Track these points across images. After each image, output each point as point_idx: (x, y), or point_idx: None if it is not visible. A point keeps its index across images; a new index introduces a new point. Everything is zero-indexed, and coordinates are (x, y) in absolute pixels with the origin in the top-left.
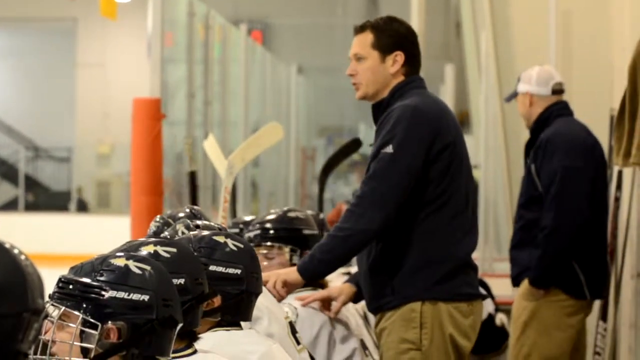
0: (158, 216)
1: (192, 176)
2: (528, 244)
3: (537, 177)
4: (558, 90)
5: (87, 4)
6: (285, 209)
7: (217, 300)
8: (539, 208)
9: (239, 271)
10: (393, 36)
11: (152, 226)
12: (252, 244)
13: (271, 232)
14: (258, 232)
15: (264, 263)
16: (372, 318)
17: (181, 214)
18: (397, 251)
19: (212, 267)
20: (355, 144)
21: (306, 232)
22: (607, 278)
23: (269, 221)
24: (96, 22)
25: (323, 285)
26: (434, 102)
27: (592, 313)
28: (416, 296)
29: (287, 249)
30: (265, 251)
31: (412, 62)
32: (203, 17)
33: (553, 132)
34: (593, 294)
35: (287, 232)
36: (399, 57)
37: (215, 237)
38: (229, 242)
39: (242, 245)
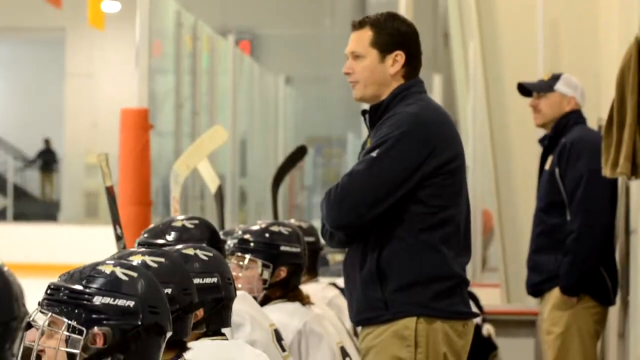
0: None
1: (109, 191)
2: (551, 250)
3: (561, 181)
4: None
5: (75, 14)
6: (270, 222)
7: (199, 312)
8: (561, 213)
9: (215, 279)
10: (394, 34)
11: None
12: (228, 252)
13: (248, 243)
14: (236, 240)
15: (237, 273)
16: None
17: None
18: (393, 264)
19: None
20: (301, 151)
21: (284, 248)
22: None
23: (250, 232)
24: (84, 32)
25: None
26: (436, 111)
27: None
28: (411, 312)
29: (259, 263)
30: (238, 261)
31: (413, 63)
32: (191, 27)
33: (577, 137)
34: (615, 301)
35: (263, 246)
36: (399, 57)
37: (184, 251)
38: (199, 252)
39: (211, 254)
